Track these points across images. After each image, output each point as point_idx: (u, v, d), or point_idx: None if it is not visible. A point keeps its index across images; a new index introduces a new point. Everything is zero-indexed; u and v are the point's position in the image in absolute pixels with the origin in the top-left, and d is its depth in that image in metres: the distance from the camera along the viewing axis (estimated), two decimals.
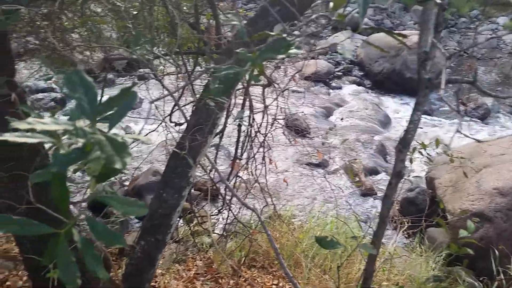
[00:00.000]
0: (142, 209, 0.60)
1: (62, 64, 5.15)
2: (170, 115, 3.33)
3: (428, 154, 3.40)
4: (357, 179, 6.13)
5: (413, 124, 1.51)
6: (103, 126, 0.53)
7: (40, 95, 7.11)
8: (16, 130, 0.58)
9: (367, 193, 6.08)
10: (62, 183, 0.56)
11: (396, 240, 4.36)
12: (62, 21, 4.70)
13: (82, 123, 0.51)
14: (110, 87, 7.73)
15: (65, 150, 0.52)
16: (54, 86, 7.16)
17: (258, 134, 3.74)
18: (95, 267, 0.58)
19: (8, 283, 3.36)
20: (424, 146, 3.09)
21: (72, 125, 0.50)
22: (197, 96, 2.65)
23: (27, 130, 0.53)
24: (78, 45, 3.48)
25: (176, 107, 3.39)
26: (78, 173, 5.95)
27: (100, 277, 0.60)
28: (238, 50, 0.76)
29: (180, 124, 3.37)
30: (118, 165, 0.49)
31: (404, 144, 1.50)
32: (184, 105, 3.07)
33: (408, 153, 1.55)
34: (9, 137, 0.52)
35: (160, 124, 3.45)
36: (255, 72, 0.74)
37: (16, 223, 0.55)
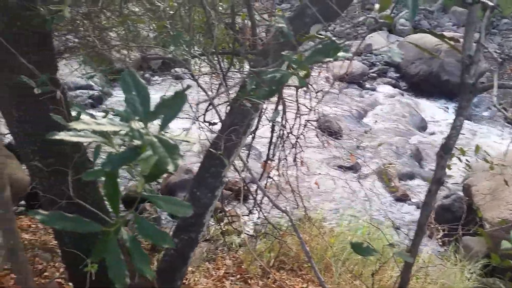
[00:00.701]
0: (188, 209, 0.61)
1: (100, 62, 5.30)
2: (204, 114, 3.36)
3: (466, 160, 3.28)
4: (391, 184, 6.01)
5: (455, 129, 1.46)
6: (153, 127, 0.54)
7: (78, 92, 7.35)
8: (67, 128, 0.59)
9: (401, 198, 5.94)
10: (114, 182, 0.57)
11: (430, 248, 4.24)
12: (101, 20, 4.84)
13: (137, 124, 0.52)
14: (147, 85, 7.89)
15: (116, 150, 0.53)
16: (92, 83, 7.38)
17: (290, 135, 3.72)
18: (142, 266, 0.58)
19: (46, 273, 3.48)
20: (462, 152, 2.99)
21: (128, 127, 0.51)
22: (232, 96, 2.66)
23: (72, 129, 0.54)
24: (117, 44, 3.56)
25: (211, 107, 3.42)
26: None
27: (147, 276, 0.61)
28: (283, 53, 0.76)
29: (214, 124, 3.39)
30: (170, 167, 0.50)
31: (446, 150, 1.46)
32: (218, 105, 3.09)
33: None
34: (64, 136, 0.53)
35: (194, 123, 3.49)
36: (302, 75, 0.73)
37: (70, 220, 0.57)
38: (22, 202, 5.14)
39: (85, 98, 7.20)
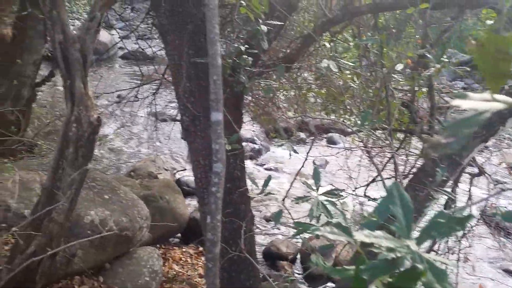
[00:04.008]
0: None
1: (266, 120, 5.69)
2: (366, 187, 3.28)
3: None
4: None
5: None
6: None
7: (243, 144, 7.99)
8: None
9: None
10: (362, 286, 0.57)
11: None
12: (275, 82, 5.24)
13: (415, 246, 0.51)
14: (300, 145, 8.15)
15: (358, 248, 0.53)
16: (255, 138, 7.96)
17: None
18: None
19: None
20: None
21: (407, 248, 0.51)
22: (403, 176, 2.55)
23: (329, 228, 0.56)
24: (295, 116, 3.80)
25: (374, 180, 3.32)
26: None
27: None
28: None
29: (374, 200, 3.28)
30: None
31: None
32: (385, 179, 2.98)
33: None
34: (323, 231, 0.56)
35: (350, 194, 3.42)
36: None
37: None
38: (178, 235, 5.66)
39: (247, 150, 7.77)
